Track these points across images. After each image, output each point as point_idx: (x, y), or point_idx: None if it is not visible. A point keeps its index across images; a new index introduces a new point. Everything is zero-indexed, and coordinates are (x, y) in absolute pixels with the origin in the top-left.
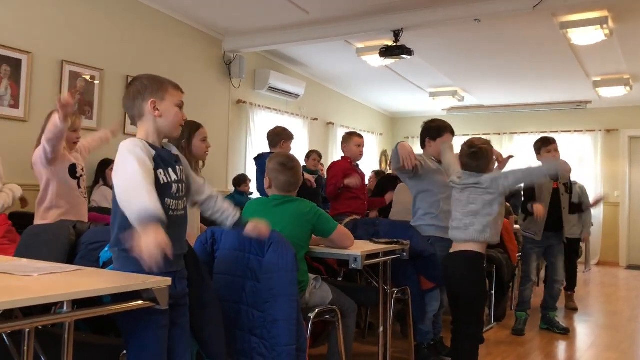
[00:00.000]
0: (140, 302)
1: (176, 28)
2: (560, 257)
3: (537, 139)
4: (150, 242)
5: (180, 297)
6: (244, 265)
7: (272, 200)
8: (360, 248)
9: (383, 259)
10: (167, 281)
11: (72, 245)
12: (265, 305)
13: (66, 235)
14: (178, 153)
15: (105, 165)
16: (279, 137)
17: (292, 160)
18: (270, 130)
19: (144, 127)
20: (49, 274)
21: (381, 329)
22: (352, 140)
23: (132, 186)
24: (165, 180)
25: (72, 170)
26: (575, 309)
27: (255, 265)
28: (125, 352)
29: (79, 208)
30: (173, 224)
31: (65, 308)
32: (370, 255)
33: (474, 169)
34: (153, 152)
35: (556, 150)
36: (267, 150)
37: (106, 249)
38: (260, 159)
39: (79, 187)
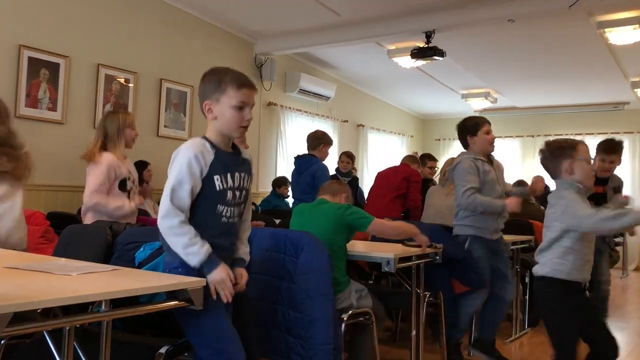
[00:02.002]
0: (176, 302)
1: (209, 31)
2: (604, 257)
3: (601, 140)
4: (220, 280)
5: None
6: (279, 265)
7: (315, 202)
8: (393, 251)
9: (416, 262)
10: (201, 282)
11: (109, 246)
12: (301, 306)
13: (103, 235)
14: (249, 159)
15: (142, 167)
16: (320, 140)
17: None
18: (310, 133)
19: (209, 126)
20: (87, 273)
21: (414, 332)
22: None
23: (172, 224)
24: (221, 187)
25: (123, 184)
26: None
27: (290, 266)
28: (161, 351)
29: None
30: (224, 230)
31: (103, 307)
32: (403, 259)
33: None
34: (210, 158)
35: (613, 162)
36: (300, 152)
37: (141, 249)
38: (299, 160)
39: (129, 199)
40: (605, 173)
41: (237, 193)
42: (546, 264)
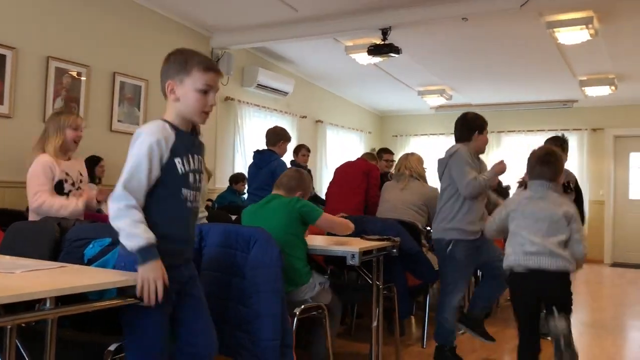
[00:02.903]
0: (124, 299)
1: (164, 24)
2: None
3: (547, 139)
4: (153, 278)
5: (187, 280)
6: (230, 261)
7: (263, 200)
8: (357, 245)
9: (377, 255)
10: None
11: (57, 242)
12: (250, 301)
13: (51, 232)
14: (203, 142)
15: (93, 163)
16: (279, 136)
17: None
18: (270, 129)
19: (169, 108)
20: (32, 270)
21: (374, 323)
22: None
23: (119, 206)
24: (184, 170)
25: (59, 187)
26: None
27: (241, 262)
28: (110, 348)
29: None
30: (188, 216)
31: (48, 305)
32: (365, 252)
33: (548, 177)
34: (172, 141)
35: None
36: (258, 147)
37: (91, 245)
38: (259, 154)
39: None
40: None
41: (197, 176)
42: (567, 260)
